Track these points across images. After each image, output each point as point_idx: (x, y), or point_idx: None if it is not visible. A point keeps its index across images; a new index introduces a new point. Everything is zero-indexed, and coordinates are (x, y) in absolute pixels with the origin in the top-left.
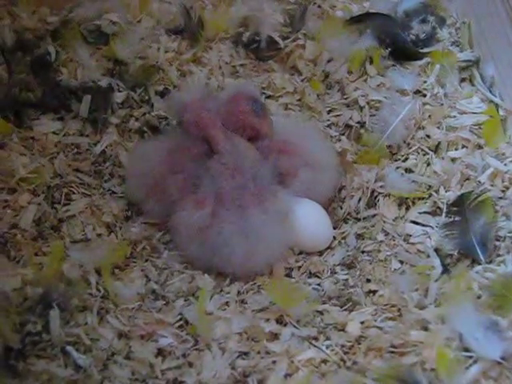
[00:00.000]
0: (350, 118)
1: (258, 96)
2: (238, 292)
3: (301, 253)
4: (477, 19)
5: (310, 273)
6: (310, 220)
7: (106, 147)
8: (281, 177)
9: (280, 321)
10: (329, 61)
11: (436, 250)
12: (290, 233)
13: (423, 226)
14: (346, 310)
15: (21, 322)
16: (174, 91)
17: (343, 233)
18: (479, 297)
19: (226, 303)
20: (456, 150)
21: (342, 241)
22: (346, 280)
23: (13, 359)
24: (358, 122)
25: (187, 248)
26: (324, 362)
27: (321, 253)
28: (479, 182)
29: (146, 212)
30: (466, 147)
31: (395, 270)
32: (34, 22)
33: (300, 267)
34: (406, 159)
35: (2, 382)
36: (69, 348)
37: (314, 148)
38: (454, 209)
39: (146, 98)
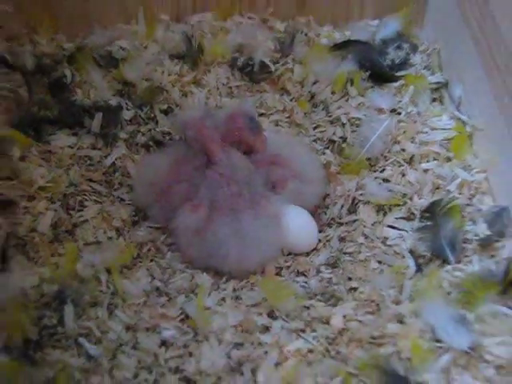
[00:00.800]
0: (334, 134)
1: (254, 114)
2: (234, 289)
3: (289, 254)
4: (446, 46)
5: (298, 272)
6: (298, 224)
7: (116, 159)
8: (272, 186)
9: (271, 315)
10: (314, 83)
11: (410, 252)
12: (280, 236)
13: (399, 230)
14: (329, 305)
15: (38, 316)
16: (177, 110)
17: (327, 236)
18: (449, 293)
19: (223, 299)
20: (428, 162)
21: (327, 243)
22: (330, 278)
23: (31, 350)
24: (341, 137)
25: (187, 249)
26: (310, 351)
27: (307, 254)
28: (448, 190)
29: (151, 217)
30: (437, 160)
31: (374, 269)
32: (52, 48)
33: (289, 267)
34: (384, 170)
35: (22, 370)
36: (81, 339)
37: (302, 161)
38: (426, 214)
39: (152, 115)
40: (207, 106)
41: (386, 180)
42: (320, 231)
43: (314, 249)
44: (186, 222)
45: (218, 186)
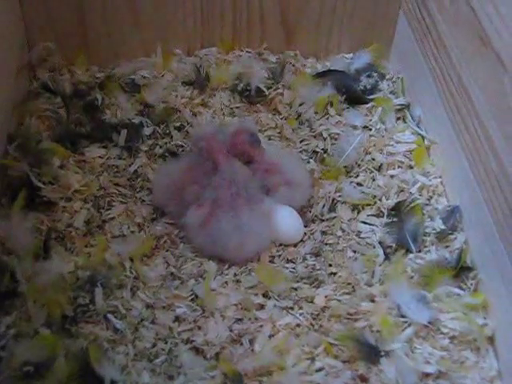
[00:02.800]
0: (317, 146)
1: (255, 130)
2: (235, 274)
3: (280, 245)
4: (408, 75)
5: (287, 259)
6: (287, 220)
7: (138, 167)
8: (267, 190)
9: (265, 295)
10: (300, 104)
11: (380, 243)
12: (273, 229)
13: (370, 225)
14: (314, 287)
15: (74, 296)
16: (189, 127)
17: (311, 230)
18: (412, 277)
19: (226, 282)
20: (394, 169)
21: (311, 236)
22: (314, 265)
23: (68, 324)
24: (322, 149)
25: (195, 240)
26: (298, 325)
27: (295, 245)
28: (411, 192)
29: (167, 214)
30: (401, 167)
31: (350, 257)
32: (87, 76)
33: (280, 255)
34: (357, 176)
35: (61, 341)
36: (109, 315)
37: (292, 169)
38: (393, 212)
39: (167, 131)
40: (218, 124)
41: (359, 184)
42: (305, 226)
43: (301, 240)
44: (191, 217)
45: (222, 187)
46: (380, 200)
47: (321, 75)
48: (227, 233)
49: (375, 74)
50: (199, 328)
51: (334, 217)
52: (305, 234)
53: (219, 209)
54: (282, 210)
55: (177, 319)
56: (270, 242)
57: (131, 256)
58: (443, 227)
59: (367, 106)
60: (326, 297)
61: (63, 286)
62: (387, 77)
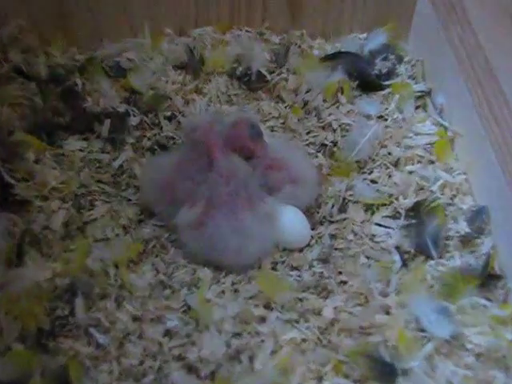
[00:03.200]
0: (325, 139)
1: (257, 122)
2: (232, 282)
3: (284, 250)
4: (429, 57)
5: (292, 266)
6: (292, 222)
7: (123, 162)
8: (268, 189)
9: (267, 306)
10: (307, 91)
11: (396, 248)
12: (275, 232)
13: (386, 227)
14: (321, 297)
15: (51, 307)
16: (187, 116)
17: (319, 233)
18: (432, 286)
19: (222, 292)
20: (412, 164)
21: (319, 240)
22: (322, 272)
23: (44, 339)
24: (332, 142)
25: (187, 244)
26: (304, 341)
27: (301, 250)
28: (431, 191)
29: (157, 214)
30: (421, 162)
31: (363, 264)
32: (65, 59)
33: (284, 262)
34: (371, 172)
35: (37, 358)
36: (91, 329)
37: (298, 165)
38: (411, 213)
39: (157, 121)
40: (214, 113)
41: (373, 181)
42: (312, 229)
43: (308, 245)
44: (184, 219)
45: (218, 185)
46: (397, 199)
47: (330, 58)
48: (224, 236)
49: (392, 57)
50: (192, 343)
51: (345, 218)
52: (312, 237)
53: (215, 209)
54: (286, 210)
55: (167, 333)
56: (272, 247)
57: (116, 262)
58: (468, 230)
59: (383, 92)
60: (335, 308)
61: (39, 296)
62: (405, 60)
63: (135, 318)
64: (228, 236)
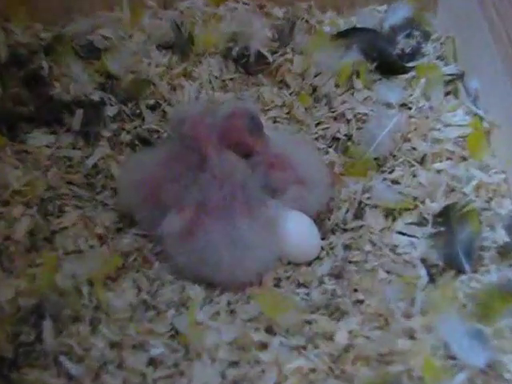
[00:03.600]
0: (338, 131)
1: (256, 113)
2: (228, 302)
3: (289, 263)
4: (461, 34)
5: (299, 283)
6: (299, 231)
7: (98, 160)
8: (271, 191)
9: (269, 330)
10: (316, 75)
11: (422, 260)
12: (277, 242)
13: (409, 236)
14: (333, 319)
15: (14, 332)
16: (174, 105)
17: (331, 243)
18: (464, 306)
19: (216, 313)
20: (441, 161)
21: (330, 251)
22: (334, 290)
23: (6, 369)
24: (345, 135)
25: (175, 258)
26: (312, 370)
27: (309, 263)
28: (464, 193)
29: (138, 222)
30: (451, 159)
31: (382, 279)
32: (28, 37)
33: (289, 277)
34: (393, 171)
35: None
36: (61, 358)
37: (305, 163)
38: (440, 219)
39: (138, 111)
40: (206, 102)
41: (395, 182)
42: (323, 238)
43: (317, 258)
44: (170, 227)
45: (210, 187)
46: (422, 203)
47: (344, 35)
48: (217, 247)
49: (417, 33)
50: (181, 374)
51: (361, 226)
52: (322, 248)
53: (207, 215)
54: (291, 216)
55: (151, 362)
56: (275, 260)
57: (90, 279)
58: (507, 239)
59: (406, 76)
60: (349, 332)
61: (0, 319)
62: (433, 37)
63: (113, 345)
64: (221, 248)
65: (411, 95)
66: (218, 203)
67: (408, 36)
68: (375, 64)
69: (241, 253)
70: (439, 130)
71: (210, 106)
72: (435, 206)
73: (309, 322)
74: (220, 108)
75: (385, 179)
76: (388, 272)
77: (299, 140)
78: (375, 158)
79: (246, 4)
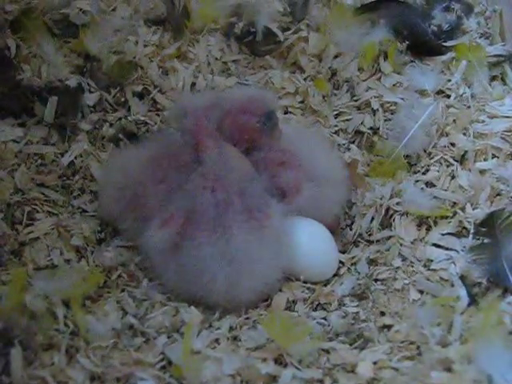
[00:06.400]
0: (361, 123)
1: (274, 106)
2: (230, 327)
3: (305, 282)
4: (510, 7)
5: (315, 305)
6: (313, 243)
7: (75, 158)
8: (281, 193)
9: (279, 361)
10: (336, 56)
11: (462, 278)
12: (288, 257)
13: (447, 249)
14: (356, 348)
15: None
16: (167, 92)
17: (353, 258)
18: (511, 332)
19: (216, 340)
20: (485, 160)
21: (352, 267)
22: (357, 313)
23: None
24: (371, 128)
25: (162, 275)
26: None
27: (326, 282)
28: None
29: (122, 231)
30: (497, 157)
31: (414, 301)
32: None
33: (304, 299)
34: (427, 171)
35: None
36: None
37: (320, 159)
38: (483, 229)
39: (122, 99)
40: (217, 92)
41: (430, 184)
42: (344, 251)
43: (336, 274)
44: (154, 239)
45: (200, 191)
46: (463, 210)
47: (369, 8)
48: (210, 262)
49: (457, 6)
50: None
51: (390, 237)
52: (341, 263)
53: (196, 226)
54: (303, 226)
55: None
56: (280, 278)
57: (66, 299)
58: None
59: (443, 58)
60: (374, 364)
61: None
62: (476, 10)
63: (94, 378)
64: (214, 263)
65: (449, 81)
66: (207, 212)
67: (446, 9)
68: (406, 43)
69: (237, 269)
70: (483, 122)
71: (217, 95)
72: (478, 214)
73: (326, 351)
74: (229, 96)
75: (418, 181)
76: (421, 292)
77: (314, 134)
78: (406, 156)
79: None
